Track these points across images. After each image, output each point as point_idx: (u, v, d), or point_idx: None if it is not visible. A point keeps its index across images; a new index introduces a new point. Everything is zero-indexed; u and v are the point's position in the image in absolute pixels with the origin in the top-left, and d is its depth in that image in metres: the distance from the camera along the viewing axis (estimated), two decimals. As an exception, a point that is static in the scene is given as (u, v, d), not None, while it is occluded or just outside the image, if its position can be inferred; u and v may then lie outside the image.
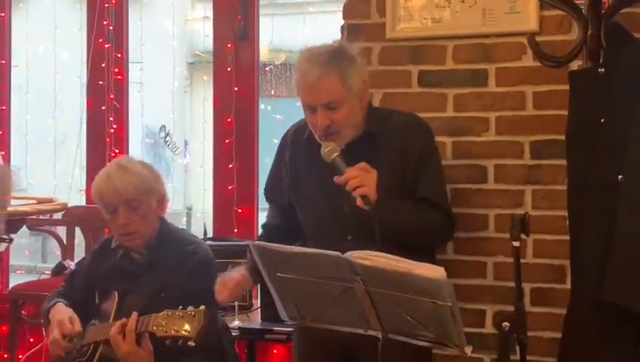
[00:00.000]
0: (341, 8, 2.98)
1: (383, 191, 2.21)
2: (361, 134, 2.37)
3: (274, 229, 2.58)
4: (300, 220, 2.52)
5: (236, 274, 2.46)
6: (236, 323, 2.97)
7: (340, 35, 2.97)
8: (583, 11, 2.29)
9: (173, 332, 2.19)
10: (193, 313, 2.20)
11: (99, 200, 2.57)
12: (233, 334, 2.87)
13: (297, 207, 2.50)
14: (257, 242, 2.04)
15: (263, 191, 2.68)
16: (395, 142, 2.37)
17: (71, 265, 3.67)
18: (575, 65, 2.44)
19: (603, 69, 2.20)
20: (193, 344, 2.17)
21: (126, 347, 2.30)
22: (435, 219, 2.36)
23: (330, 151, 2.25)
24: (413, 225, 2.33)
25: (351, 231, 2.33)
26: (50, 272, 4.05)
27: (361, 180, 2.18)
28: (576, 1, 2.34)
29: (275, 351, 3.61)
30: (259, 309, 3.15)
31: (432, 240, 2.45)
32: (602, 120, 2.18)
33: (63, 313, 2.55)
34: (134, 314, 2.32)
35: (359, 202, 2.17)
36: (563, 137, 2.32)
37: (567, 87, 2.34)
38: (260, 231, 2.67)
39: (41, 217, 4.10)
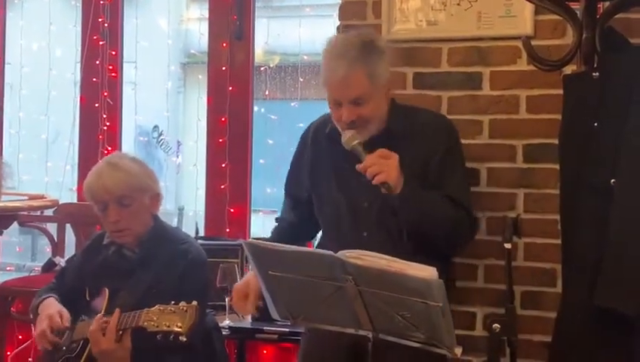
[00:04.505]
0: (336, 12, 2.99)
1: (406, 174, 2.21)
2: (382, 129, 2.33)
3: (286, 226, 2.58)
4: (316, 217, 2.49)
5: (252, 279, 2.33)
6: (227, 322, 2.97)
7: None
8: (579, 15, 2.30)
9: (164, 327, 2.18)
10: (185, 308, 2.19)
11: (90, 198, 2.56)
12: (223, 333, 2.86)
13: (316, 204, 2.48)
14: (250, 240, 2.04)
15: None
16: (418, 142, 2.34)
17: (61, 261, 3.65)
18: (569, 70, 2.45)
19: (597, 74, 2.21)
20: (185, 339, 2.16)
21: (105, 344, 2.29)
22: (457, 215, 2.31)
23: (350, 138, 2.25)
24: (435, 215, 2.28)
25: (367, 228, 2.33)
26: (39, 269, 4.04)
27: (380, 167, 2.18)
28: (571, 6, 2.35)
29: (265, 352, 3.60)
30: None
31: (451, 236, 2.34)
32: (595, 124, 2.19)
33: (53, 307, 2.54)
34: (117, 312, 2.31)
35: (383, 190, 2.17)
36: (556, 141, 2.32)
37: (560, 91, 2.35)
38: (275, 225, 2.65)
39: (32, 213, 4.08)
